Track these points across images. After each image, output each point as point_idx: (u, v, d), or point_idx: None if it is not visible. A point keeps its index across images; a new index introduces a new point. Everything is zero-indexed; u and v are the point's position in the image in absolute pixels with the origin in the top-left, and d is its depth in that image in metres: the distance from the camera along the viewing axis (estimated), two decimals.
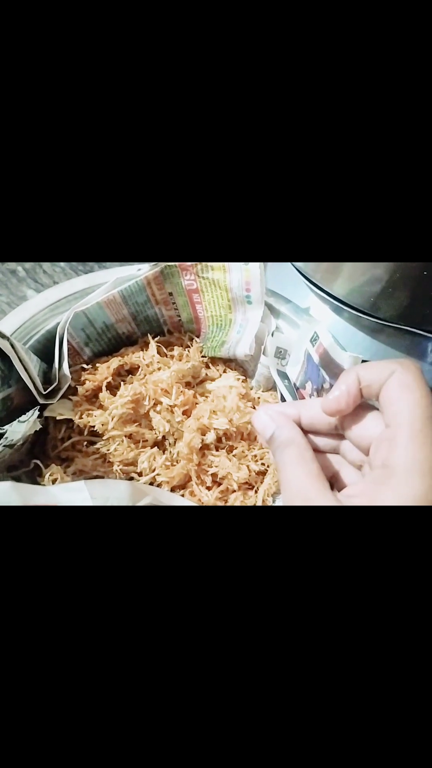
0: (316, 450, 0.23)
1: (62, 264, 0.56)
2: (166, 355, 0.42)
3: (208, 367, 0.43)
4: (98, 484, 0.28)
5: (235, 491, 0.37)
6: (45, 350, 0.38)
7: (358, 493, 0.20)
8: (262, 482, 0.38)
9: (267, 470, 0.39)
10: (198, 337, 0.44)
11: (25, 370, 0.33)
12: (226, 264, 0.39)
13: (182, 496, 0.37)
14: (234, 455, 0.38)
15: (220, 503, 0.37)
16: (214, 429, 0.37)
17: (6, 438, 0.30)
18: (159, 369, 0.40)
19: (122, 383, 0.39)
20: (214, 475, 0.37)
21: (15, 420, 0.32)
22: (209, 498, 0.37)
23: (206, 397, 0.41)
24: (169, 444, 0.38)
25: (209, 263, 0.39)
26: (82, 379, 0.38)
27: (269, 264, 0.38)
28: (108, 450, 0.36)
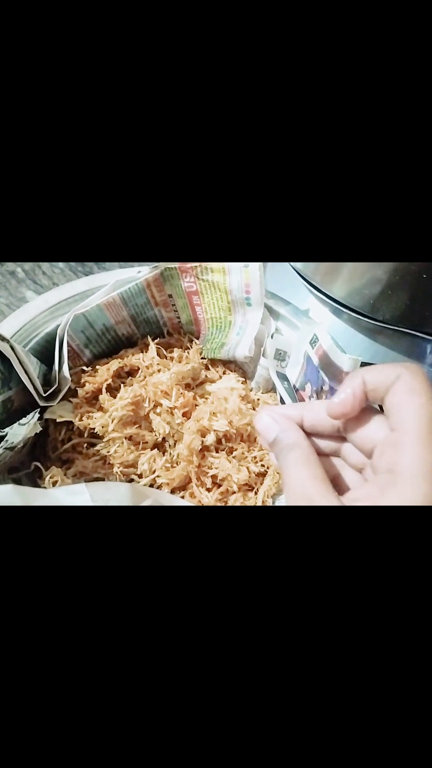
0: (317, 452, 0.23)
1: (61, 265, 0.56)
2: (166, 357, 0.42)
3: (207, 368, 0.43)
4: (99, 487, 0.28)
5: (235, 493, 0.37)
6: (45, 352, 0.38)
7: (362, 497, 0.20)
8: (262, 483, 0.38)
9: (267, 472, 0.39)
10: (198, 338, 0.44)
11: (25, 372, 0.33)
12: (225, 266, 0.39)
13: (182, 497, 0.37)
14: (234, 457, 0.38)
15: (220, 505, 0.37)
16: (214, 431, 0.37)
17: (6, 441, 0.30)
18: (159, 371, 0.40)
19: (122, 385, 0.39)
20: (214, 476, 0.37)
21: (15, 422, 0.32)
22: (209, 499, 0.37)
23: (206, 398, 0.41)
24: (169, 446, 0.38)
25: (209, 266, 0.39)
26: (82, 381, 0.38)
27: (269, 266, 0.38)
28: (108, 452, 0.36)
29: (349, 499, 0.20)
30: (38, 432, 0.34)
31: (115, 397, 0.37)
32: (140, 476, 0.37)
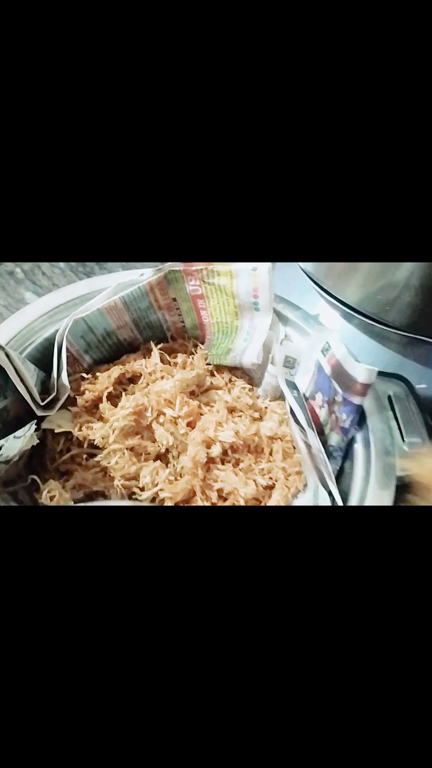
0: None
1: (61, 265, 0.55)
2: (170, 363, 0.40)
3: (213, 375, 0.42)
4: None
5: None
6: (43, 359, 0.36)
7: None
8: (270, 497, 0.37)
9: (275, 485, 0.37)
10: (203, 344, 0.42)
11: (21, 380, 0.31)
12: (232, 269, 0.37)
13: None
14: (240, 469, 0.36)
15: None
16: (220, 442, 0.36)
17: (1, 455, 0.29)
18: (162, 377, 0.38)
19: (123, 393, 0.37)
20: (219, 490, 0.36)
21: (11, 434, 0.30)
22: None
23: (211, 406, 0.39)
24: (173, 457, 0.37)
25: (215, 269, 0.37)
26: (82, 389, 0.36)
27: (277, 269, 0.37)
28: (109, 463, 0.35)
29: None
30: (35, 444, 0.33)
31: (116, 405, 0.36)
32: (142, 489, 0.35)
